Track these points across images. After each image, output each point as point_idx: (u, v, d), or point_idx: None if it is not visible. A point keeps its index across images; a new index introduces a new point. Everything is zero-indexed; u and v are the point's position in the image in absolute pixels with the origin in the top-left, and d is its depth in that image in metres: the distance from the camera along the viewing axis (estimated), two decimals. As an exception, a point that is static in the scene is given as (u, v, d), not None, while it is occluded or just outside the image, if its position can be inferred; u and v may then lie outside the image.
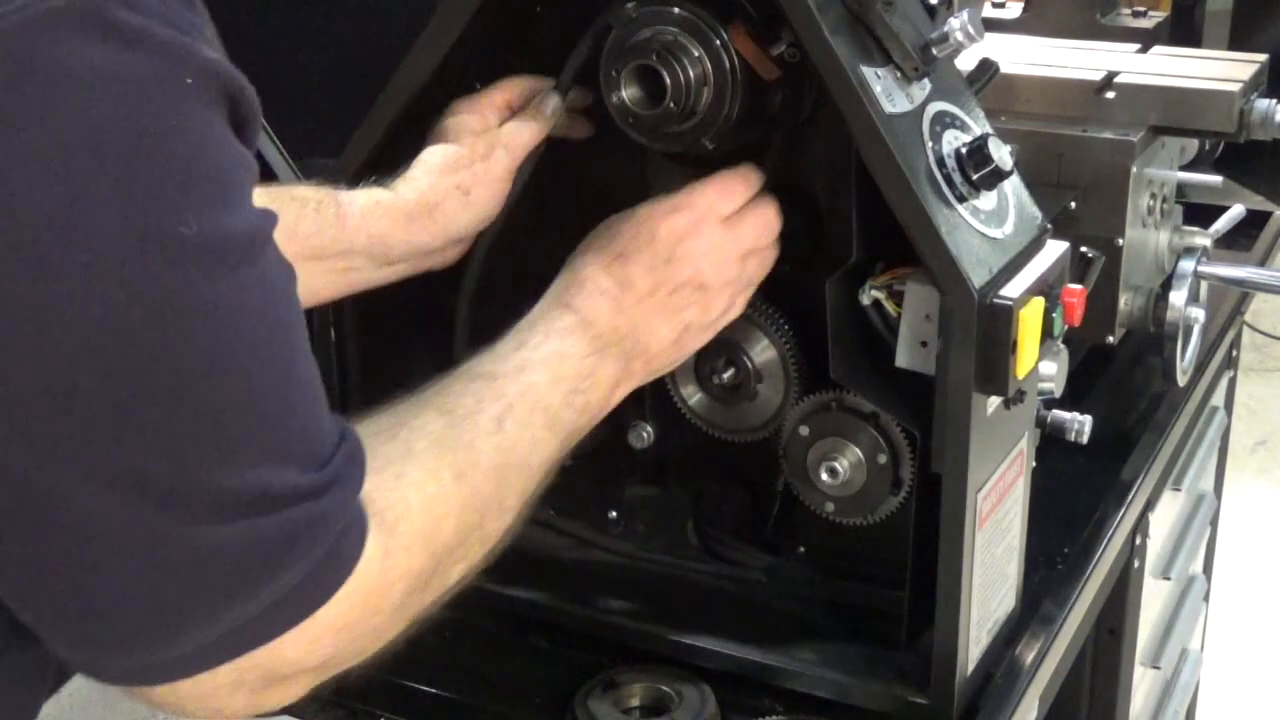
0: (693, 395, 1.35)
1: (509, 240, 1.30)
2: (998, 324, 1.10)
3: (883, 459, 1.26)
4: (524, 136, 1.27)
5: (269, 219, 0.80)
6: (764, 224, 1.20)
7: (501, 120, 1.28)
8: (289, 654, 0.85)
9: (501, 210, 1.28)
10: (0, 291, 0.70)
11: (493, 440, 1.01)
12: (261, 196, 0.82)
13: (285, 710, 1.38)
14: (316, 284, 1.23)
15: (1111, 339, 1.66)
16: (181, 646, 0.80)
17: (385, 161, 1.30)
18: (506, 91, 1.29)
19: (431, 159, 1.26)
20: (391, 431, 0.96)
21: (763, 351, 1.30)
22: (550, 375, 1.08)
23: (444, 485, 0.95)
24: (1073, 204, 1.60)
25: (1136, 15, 2.02)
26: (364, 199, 1.24)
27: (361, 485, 0.86)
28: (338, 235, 1.22)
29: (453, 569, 0.97)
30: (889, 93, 1.13)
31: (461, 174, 1.25)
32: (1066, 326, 1.22)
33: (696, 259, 1.16)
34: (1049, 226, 1.24)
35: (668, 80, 1.18)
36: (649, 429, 1.38)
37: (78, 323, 0.72)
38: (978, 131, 1.21)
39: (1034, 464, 1.30)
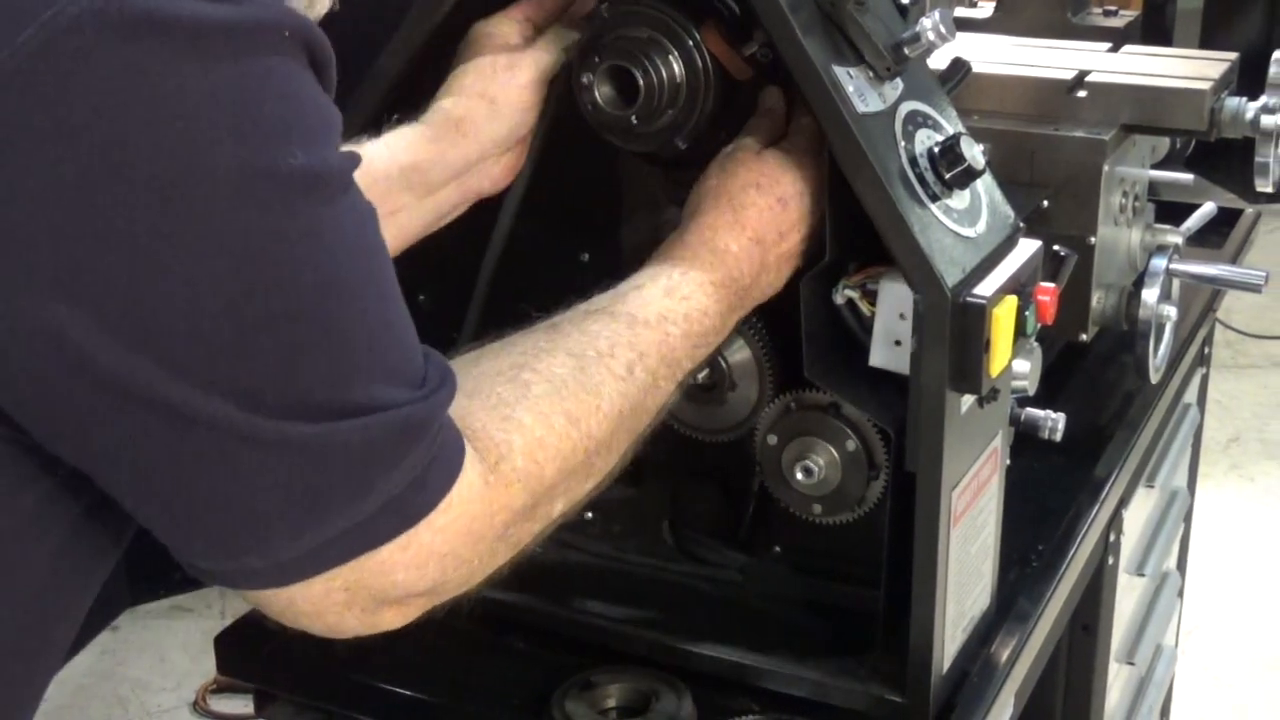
0: (668, 395, 1.35)
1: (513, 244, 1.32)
2: (971, 323, 1.11)
3: (850, 444, 1.26)
4: (549, 58, 1.26)
5: (354, 156, 0.85)
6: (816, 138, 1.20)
7: (524, 36, 1.28)
8: (398, 576, 0.89)
9: (538, 129, 1.27)
10: (131, 226, 0.75)
11: (619, 386, 1.04)
12: None
13: (262, 709, 1.38)
14: None
15: (1084, 337, 1.66)
16: (298, 548, 0.84)
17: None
18: (528, 7, 1.29)
19: (455, 78, 1.26)
20: (513, 373, 0.99)
21: (737, 351, 1.30)
22: (686, 329, 1.10)
23: (553, 430, 0.98)
24: (1045, 203, 1.60)
25: (1107, 14, 2.03)
26: (389, 137, 1.24)
27: (452, 397, 0.89)
28: (370, 182, 1.22)
29: (555, 504, 1.01)
30: (861, 92, 1.14)
31: (486, 83, 1.25)
32: (1039, 325, 1.22)
33: (817, 209, 1.18)
34: (1021, 225, 1.24)
35: (640, 81, 1.18)
36: (624, 429, 1.38)
37: (203, 251, 0.77)
38: (950, 131, 1.21)
39: (1008, 462, 1.30)
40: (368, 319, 0.84)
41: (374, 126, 1.25)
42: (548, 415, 0.98)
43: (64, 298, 0.75)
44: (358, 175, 1.20)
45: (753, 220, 1.15)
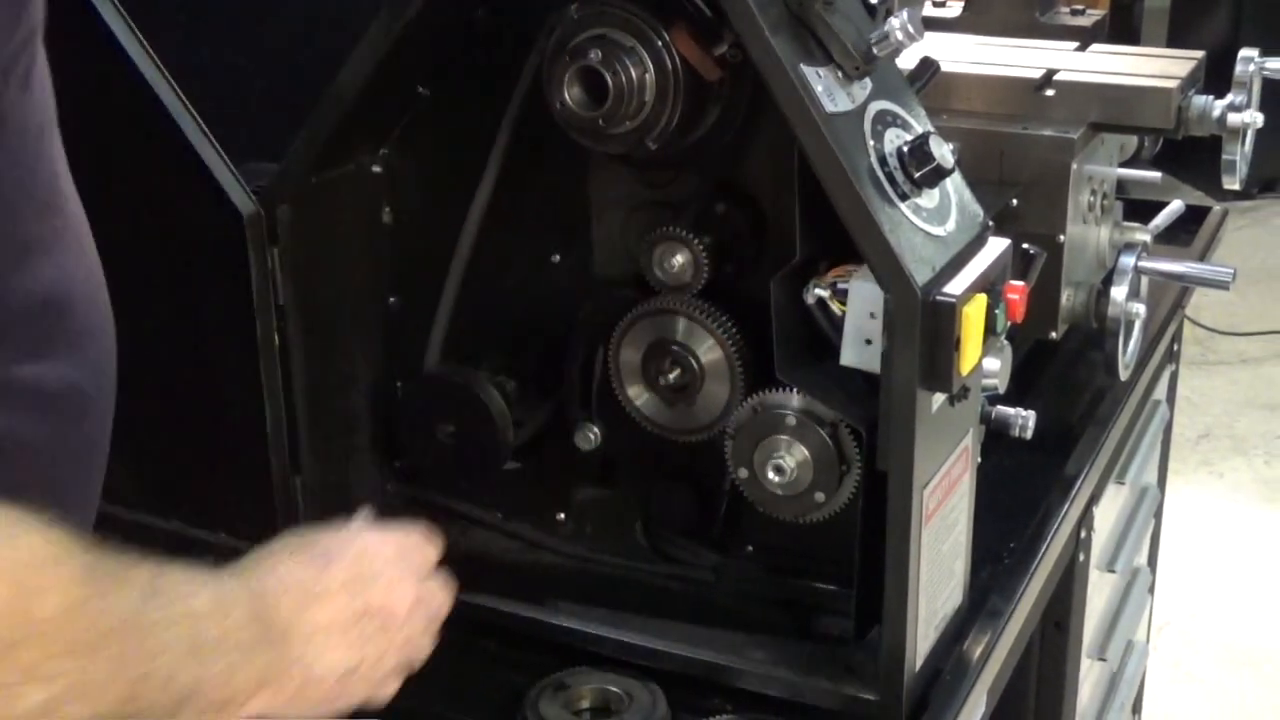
0: (640, 396, 1.35)
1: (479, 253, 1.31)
2: (941, 321, 1.11)
3: (822, 443, 1.26)
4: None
5: None
6: (443, 598, 1.11)
7: None
8: None
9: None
10: None
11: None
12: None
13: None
14: None
15: (1054, 335, 1.67)
16: None
17: (329, 163, 1.29)
18: None
19: None
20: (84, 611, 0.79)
21: (709, 351, 1.30)
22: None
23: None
24: (1014, 201, 1.61)
25: (1075, 13, 2.04)
26: None
27: None
28: None
29: None
30: (830, 92, 1.14)
31: None
32: (1009, 323, 1.22)
33: (401, 589, 1.05)
34: (990, 224, 1.25)
35: (610, 82, 1.18)
36: (596, 430, 1.38)
37: None
38: (919, 130, 1.21)
39: (979, 460, 1.31)
40: None
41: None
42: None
43: None
44: None
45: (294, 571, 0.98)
